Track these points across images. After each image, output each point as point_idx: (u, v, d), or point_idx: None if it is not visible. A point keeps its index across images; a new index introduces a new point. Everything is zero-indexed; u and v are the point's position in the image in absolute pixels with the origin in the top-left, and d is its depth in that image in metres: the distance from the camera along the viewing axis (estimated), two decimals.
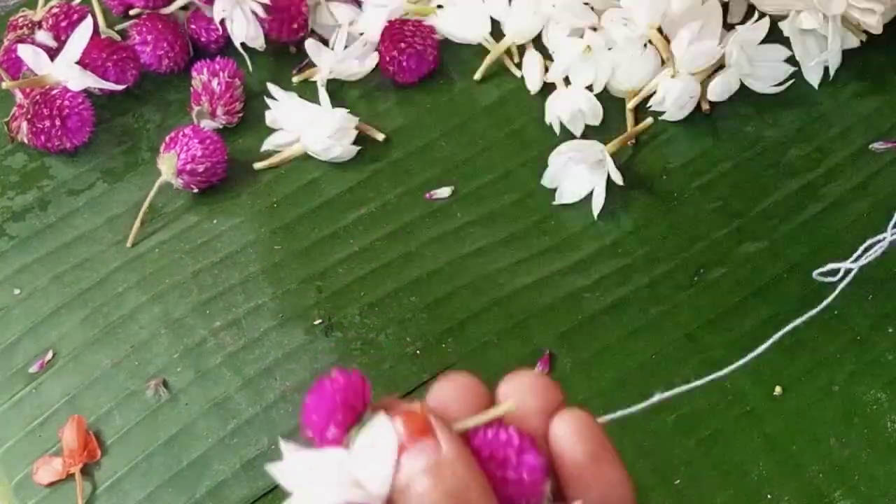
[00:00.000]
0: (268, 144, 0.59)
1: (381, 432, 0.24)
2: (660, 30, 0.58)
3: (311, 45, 0.61)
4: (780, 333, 0.41)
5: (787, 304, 0.52)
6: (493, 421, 0.25)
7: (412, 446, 0.24)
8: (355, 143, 0.59)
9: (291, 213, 0.57)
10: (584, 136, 0.58)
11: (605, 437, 0.26)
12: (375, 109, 0.61)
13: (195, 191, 0.57)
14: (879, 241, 0.50)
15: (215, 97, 0.59)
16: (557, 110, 0.58)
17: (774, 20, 0.59)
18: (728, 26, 0.60)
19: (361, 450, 0.24)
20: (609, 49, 0.59)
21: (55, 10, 0.61)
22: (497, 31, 0.62)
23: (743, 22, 0.60)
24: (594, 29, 0.59)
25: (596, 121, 0.59)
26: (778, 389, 0.50)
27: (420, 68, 0.61)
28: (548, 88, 0.60)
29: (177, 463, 0.50)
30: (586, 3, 0.59)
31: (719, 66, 0.59)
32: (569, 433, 0.25)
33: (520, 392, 0.26)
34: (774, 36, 0.59)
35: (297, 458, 0.24)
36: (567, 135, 0.58)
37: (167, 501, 0.49)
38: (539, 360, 0.51)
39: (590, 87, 0.59)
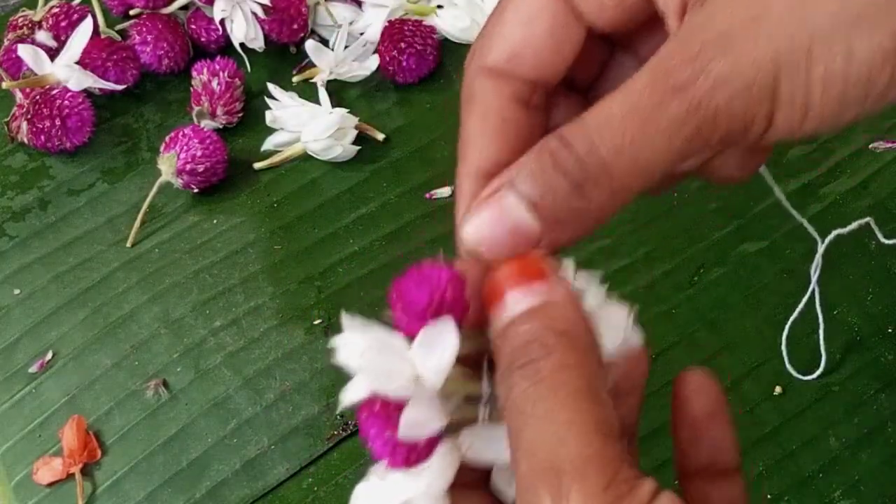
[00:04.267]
0: (268, 144, 0.59)
1: (444, 328, 0.23)
2: None
3: (311, 45, 0.61)
4: None
5: (788, 304, 0.52)
6: None
7: (521, 287, 0.23)
8: (355, 143, 0.59)
9: (291, 213, 0.57)
10: None
11: (723, 398, 0.27)
12: (375, 109, 0.61)
13: (195, 191, 0.57)
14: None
15: (215, 97, 0.59)
16: None
17: None
18: None
19: (423, 344, 0.23)
20: None
21: (55, 10, 0.61)
22: None
23: None
24: None
25: None
26: (778, 389, 0.50)
27: (420, 68, 0.61)
28: None
29: (177, 463, 0.50)
30: None
31: None
32: (692, 389, 0.26)
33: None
34: None
35: (361, 337, 0.24)
36: None
37: (167, 501, 0.49)
38: None
39: None
